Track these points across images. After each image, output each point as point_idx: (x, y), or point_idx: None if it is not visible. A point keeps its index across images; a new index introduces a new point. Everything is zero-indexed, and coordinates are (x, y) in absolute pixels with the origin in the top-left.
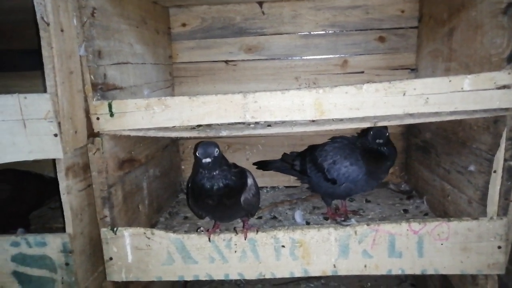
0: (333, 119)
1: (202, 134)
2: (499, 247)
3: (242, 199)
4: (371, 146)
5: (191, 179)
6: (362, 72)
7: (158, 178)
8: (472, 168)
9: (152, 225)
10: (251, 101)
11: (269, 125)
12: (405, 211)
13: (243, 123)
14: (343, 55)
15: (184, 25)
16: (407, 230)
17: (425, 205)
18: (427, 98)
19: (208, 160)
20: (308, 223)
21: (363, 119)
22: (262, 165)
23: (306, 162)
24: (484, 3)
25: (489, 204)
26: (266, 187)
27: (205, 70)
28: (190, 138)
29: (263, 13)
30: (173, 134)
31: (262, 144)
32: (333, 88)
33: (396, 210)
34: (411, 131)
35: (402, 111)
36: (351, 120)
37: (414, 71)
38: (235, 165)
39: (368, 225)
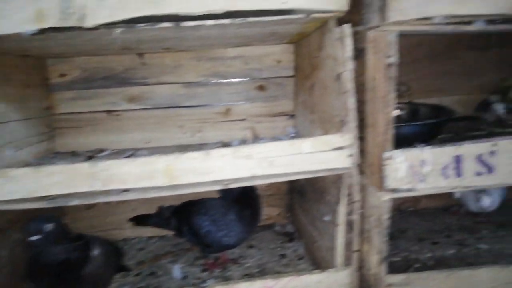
0: (185, 184)
1: (52, 205)
2: None
3: (83, 273)
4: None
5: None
6: (244, 119)
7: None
8: (327, 218)
9: None
10: (101, 170)
11: (125, 191)
12: (283, 256)
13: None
14: (226, 104)
15: (63, 75)
16: (264, 287)
17: (303, 249)
18: (272, 160)
19: (37, 237)
20: (185, 277)
21: (214, 182)
22: (139, 221)
23: (182, 224)
24: (327, 67)
25: (336, 255)
26: (154, 237)
27: (87, 121)
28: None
29: (143, 64)
30: (19, 207)
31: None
32: (182, 155)
33: (276, 255)
34: None
35: (249, 173)
36: (202, 184)
37: (293, 117)
38: (80, 236)
39: (223, 284)
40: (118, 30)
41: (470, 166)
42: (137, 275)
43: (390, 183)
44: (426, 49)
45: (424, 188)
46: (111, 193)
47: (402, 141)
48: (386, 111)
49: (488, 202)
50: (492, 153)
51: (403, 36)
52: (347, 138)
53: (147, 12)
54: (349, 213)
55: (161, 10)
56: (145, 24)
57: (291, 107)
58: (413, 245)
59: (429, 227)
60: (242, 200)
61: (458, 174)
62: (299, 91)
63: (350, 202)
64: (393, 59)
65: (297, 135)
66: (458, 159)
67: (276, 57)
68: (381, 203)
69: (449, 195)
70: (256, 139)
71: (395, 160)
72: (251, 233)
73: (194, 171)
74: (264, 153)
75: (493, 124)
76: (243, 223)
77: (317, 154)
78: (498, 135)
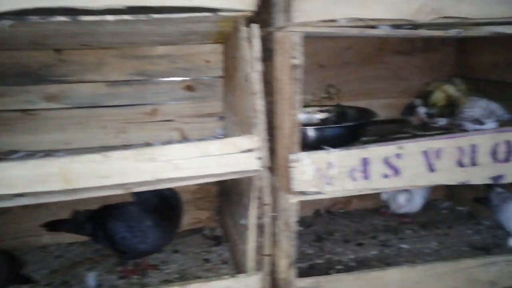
0: (83, 188)
1: None
2: None
3: None
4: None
5: None
6: (172, 120)
7: None
8: (242, 221)
9: None
10: None
11: (18, 195)
12: (207, 260)
13: None
14: (152, 104)
15: None
16: None
17: (228, 253)
18: (177, 163)
19: None
20: (99, 286)
21: (115, 186)
22: (53, 226)
23: (98, 229)
24: (240, 68)
25: (248, 259)
26: (75, 244)
27: (1, 120)
28: None
29: (62, 60)
30: None
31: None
32: (79, 157)
33: (200, 260)
34: None
35: (153, 177)
36: (103, 188)
37: (222, 118)
38: None
39: None
40: (8, 23)
41: (377, 169)
42: (47, 285)
43: (297, 185)
44: (355, 53)
45: (332, 190)
46: (2, 198)
47: (325, 143)
48: (292, 112)
49: (402, 201)
50: (398, 155)
51: (332, 39)
52: (255, 140)
53: (39, 4)
54: (260, 216)
55: (54, 2)
56: (39, 16)
57: (220, 108)
58: (339, 246)
59: (356, 228)
60: (161, 205)
61: (366, 176)
62: (227, 92)
63: (260, 205)
64: (298, 60)
65: (225, 137)
66: (365, 162)
67: (205, 57)
68: (288, 206)
69: (378, 196)
70: (184, 140)
71: (302, 162)
72: (170, 239)
73: (92, 174)
74: (169, 156)
75: (417, 127)
76: (161, 230)
77: (226, 156)
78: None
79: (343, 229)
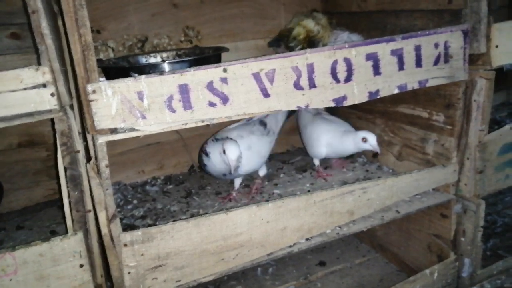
0: None
1: None
2: (81, 266)
3: None
4: None
5: None
6: None
7: None
8: None
9: None
10: None
11: None
12: (53, 232)
13: None
14: None
15: None
16: None
17: None
18: None
19: None
20: None
21: None
22: None
23: None
24: None
25: (67, 219)
26: None
27: None
28: None
29: None
30: None
31: None
32: None
33: (45, 234)
34: None
35: None
36: None
37: None
38: None
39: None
40: None
41: (200, 97)
42: None
43: (101, 122)
44: None
45: (147, 125)
46: None
47: None
48: (82, 32)
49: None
50: (223, 80)
51: None
52: (45, 71)
53: None
54: (71, 166)
55: None
56: None
57: None
58: (209, 200)
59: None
60: None
61: (187, 106)
62: None
63: (69, 153)
64: None
65: None
66: (184, 89)
67: None
68: (97, 148)
69: None
70: None
71: (103, 94)
72: None
73: None
74: None
75: None
76: None
77: (5, 95)
78: None
79: (216, 181)
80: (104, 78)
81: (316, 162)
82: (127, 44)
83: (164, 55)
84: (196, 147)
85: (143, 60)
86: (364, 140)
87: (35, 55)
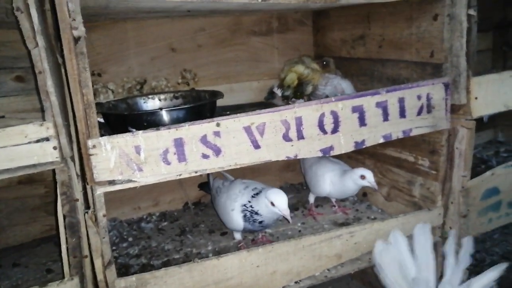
0: None
1: None
2: None
3: None
4: None
5: None
6: (3, 116)
7: None
8: None
9: None
10: None
11: None
12: (49, 271)
13: None
14: None
15: None
16: None
17: None
18: None
19: None
20: None
21: None
22: None
23: None
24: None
25: (64, 265)
26: None
27: None
28: None
29: None
30: None
31: None
32: None
33: (41, 272)
34: None
35: None
36: None
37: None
38: None
39: None
40: None
41: (194, 149)
42: None
43: (100, 174)
44: (209, 35)
45: (144, 177)
46: None
47: None
48: (85, 92)
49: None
50: (216, 133)
51: (183, 19)
52: (49, 126)
53: None
54: (70, 214)
55: None
56: None
57: None
58: (202, 238)
59: None
60: None
61: (182, 159)
62: None
63: (69, 201)
64: (79, 31)
65: None
66: (179, 143)
67: None
68: (95, 198)
69: None
70: None
71: (102, 148)
72: None
73: None
74: None
75: None
76: None
77: (10, 149)
78: None
79: (210, 219)
80: (101, 119)
81: (311, 199)
82: (126, 86)
83: (162, 96)
84: (191, 184)
85: (142, 102)
86: (363, 177)
87: (37, 96)
